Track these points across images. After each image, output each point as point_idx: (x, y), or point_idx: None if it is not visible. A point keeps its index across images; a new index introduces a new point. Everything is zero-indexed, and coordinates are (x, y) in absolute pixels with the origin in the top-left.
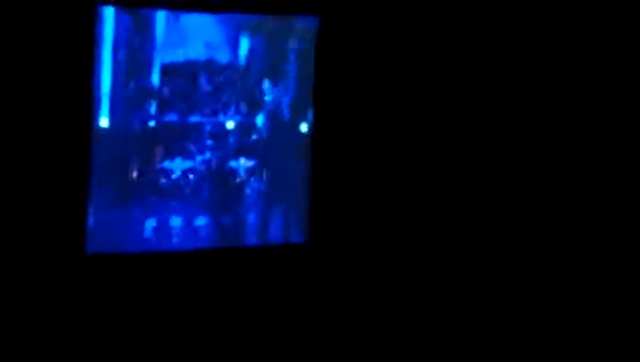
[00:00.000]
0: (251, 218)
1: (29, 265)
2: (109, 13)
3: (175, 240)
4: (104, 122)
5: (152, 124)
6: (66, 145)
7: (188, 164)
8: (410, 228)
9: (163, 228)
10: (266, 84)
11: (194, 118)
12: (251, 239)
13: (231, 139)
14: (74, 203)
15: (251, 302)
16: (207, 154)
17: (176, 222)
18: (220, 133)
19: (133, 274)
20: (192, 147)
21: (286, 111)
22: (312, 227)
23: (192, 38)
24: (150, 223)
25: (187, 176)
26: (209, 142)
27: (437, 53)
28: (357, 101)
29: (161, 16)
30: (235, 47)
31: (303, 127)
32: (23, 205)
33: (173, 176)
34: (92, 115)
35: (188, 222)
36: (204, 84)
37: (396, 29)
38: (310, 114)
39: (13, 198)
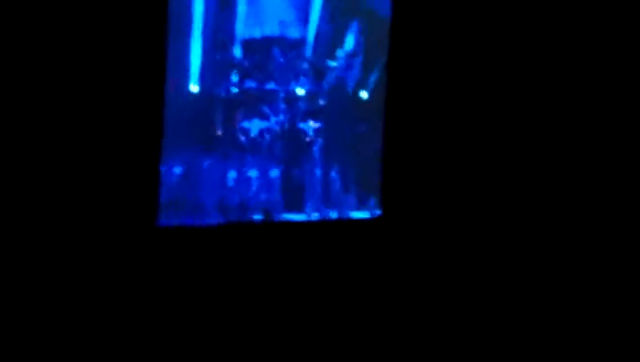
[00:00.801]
0: (317, 172)
1: (102, 232)
2: None
3: (252, 189)
4: (194, 88)
5: (234, 90)
6: (142, 114)
7: (264, 124)
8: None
9: (242, 178)
10: (332, 57)
11: (269, 86)
12: (316, 191)
13: (301, 104)
14: (149, 175)
15: (325, 272)
16: (281, 117)
17: (253, 173)
18: (292, 98)
19: (201, 247)
20: (267, 110)
21: (349, 81)
22: (385, 199)
23: (268, 18)
24: (232, 174)
25: (263, 135)
26: (282, 106)
27: (507, 33)
28: (429, 77)
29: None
30: (304, 25)
31: (363, 94)
32: (101, 175)
33: (252, 135)
34: (164, 83)
35: (263, 174)
36: (277, 57)
37: (464, 9)
38: (371, 81)
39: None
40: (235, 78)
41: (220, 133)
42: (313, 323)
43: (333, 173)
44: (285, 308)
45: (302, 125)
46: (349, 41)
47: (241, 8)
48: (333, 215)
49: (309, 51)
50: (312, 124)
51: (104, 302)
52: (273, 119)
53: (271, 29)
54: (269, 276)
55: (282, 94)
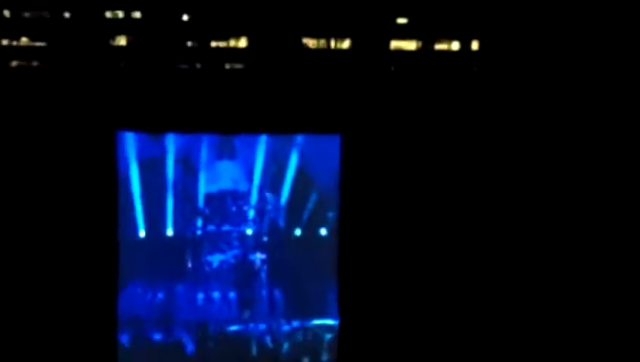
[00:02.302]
0: (264, 292)
1: None
2: (170, 163)
3: (215, 307)
4: (170, 231)
5: (199, 232)
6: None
7: (223, 257)
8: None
9: (208, 299)
10: (272, 204)
11: (225, 228)
12: (264, 307)
13: (249, 241)
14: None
15: None
16: (235, 251)
17: (216, 295)
18: (243, 237)
19: None
20: (224, 246)
21: (287, 220)
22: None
23: (222, 177)
24: (200, 295)
25: (222, 265)
26: (236, 243)
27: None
28: (378, 209)
29: (202, 165)
30: (250, 180)
31: (297, 232)
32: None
33: (214, 266)
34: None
35: (223, 296)
36: (230, 206)
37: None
38: (303, 219)
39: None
40: (199, 223)
41: (190, 265)
42: None
43: (276, 293)
44: None
45: (251, 257)
46: (285, 192)
47: (202, 172)
48: (277, 326)
49: (254, 200)
50: (259, 256)
51: None
52: (229, 253)
53: (225, 184)
54: None
55: (235, 234)
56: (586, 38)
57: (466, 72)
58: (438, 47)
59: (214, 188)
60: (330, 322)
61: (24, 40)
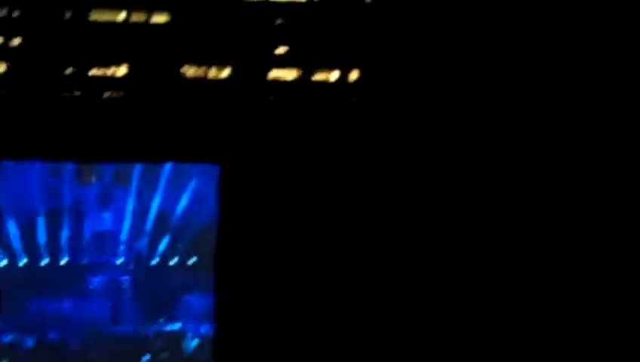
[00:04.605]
0: (128, 305)
1: None
2: (65, 210)
3: (96, 314)
4: (64, 261)
5: (85, 261)
6: None
7: (101, 279)
8: None
9: (90, 309)
10: (137, 240)
11: (104, 258)
12: (131, 315)
13: (119, 267)
14: None
15: None
16: (110, 275)
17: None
18: (115, 265)
19: None
20: (102, 271)
21: (147, 253)
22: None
23: (103, 220)
24: (85, 306)
25: (101, 285)
26: (110, 270)
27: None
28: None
29: (89, 211)
30: (122, 223)
31: (154, 261)
32: None
33: (95, 285)
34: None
35: (102, 306)
36: (107, 242)
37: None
38: (159, 251)
39: None
40: (85, 254)
41: (78, 284)
42: None
43: (139, 305)
44: None
45: (121, 279)
46: (146, 231)
47: (89, 217)
48: (141, 328)
49: (124, 238)
50: (125, 278)
51: None
52: (106, 276)
53: (104, 226)
54: None
55: (110, 263)
56: (466, 63)
57: (345, 102)
58: (318, 77)
59: (97, 229)
60: (178, 326)
61: None
